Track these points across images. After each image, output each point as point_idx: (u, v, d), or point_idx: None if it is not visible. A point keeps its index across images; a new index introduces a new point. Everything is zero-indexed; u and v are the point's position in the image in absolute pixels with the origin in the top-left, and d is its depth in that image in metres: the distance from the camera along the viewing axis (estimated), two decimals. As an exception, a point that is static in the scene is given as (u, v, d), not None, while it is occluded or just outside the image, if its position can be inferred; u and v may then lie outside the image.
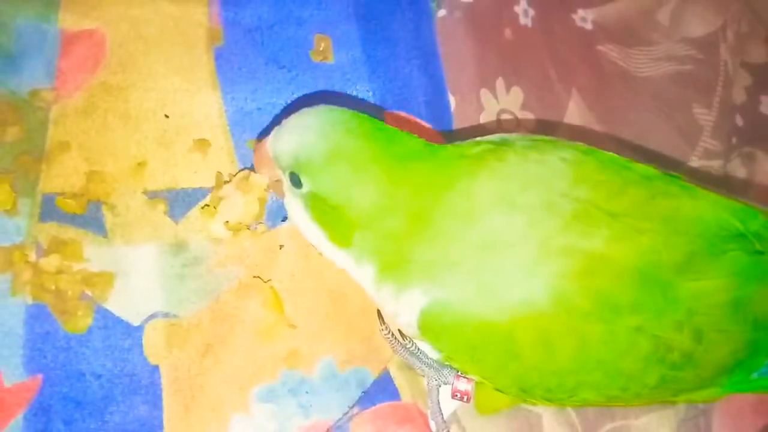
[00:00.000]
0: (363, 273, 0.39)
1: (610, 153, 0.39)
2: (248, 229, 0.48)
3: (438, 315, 0.37)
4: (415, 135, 0.38)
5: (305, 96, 0.55)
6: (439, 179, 0.36)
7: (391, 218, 0.36)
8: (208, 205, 0.47)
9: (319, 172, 0.37)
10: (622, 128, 0.63)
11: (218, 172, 0.49)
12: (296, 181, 0.38)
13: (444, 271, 0.36)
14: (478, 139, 0.40)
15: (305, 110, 0.39)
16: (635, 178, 0.38)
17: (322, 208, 0.38)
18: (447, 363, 0.42)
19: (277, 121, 0.53)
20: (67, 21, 0.52)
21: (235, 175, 0.49)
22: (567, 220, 0.35)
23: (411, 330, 0.40)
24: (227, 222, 0.46)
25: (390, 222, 0.36)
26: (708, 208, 0.38)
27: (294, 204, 0.40)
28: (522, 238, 0.35)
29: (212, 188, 0.50)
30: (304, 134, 0.38)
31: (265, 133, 0.52)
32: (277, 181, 0.42)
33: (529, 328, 0.35)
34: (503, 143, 0.38)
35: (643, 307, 0.35)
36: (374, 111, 0.55)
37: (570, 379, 0.36)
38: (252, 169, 0.49)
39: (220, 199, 0.47)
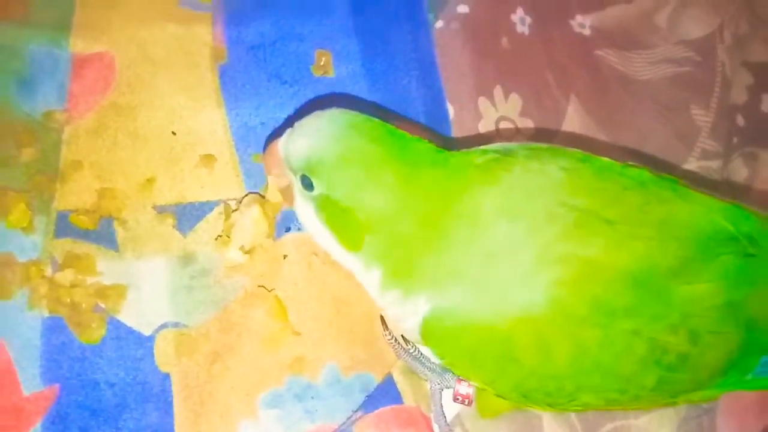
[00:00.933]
0: (369, 277, 0.39)
1: (606, 159, 0.40)
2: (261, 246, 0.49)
3: (439, 322, 0.38)
4: (425, 139, 0.39)
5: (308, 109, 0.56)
6: (448, 187, 0.37)
7: (401, 223, 0.37)
8: (221, 236, 0.49)
9: (331, 175, 0.37)
10: (621, 132, 0.64)
11: (226, 204, 0.51)
12: (308, 184, 0.39)
13: (448, 278, 0.37)
14: (483, 147, 0.41)
15: (317, 113, 0.39)
16: (630, 184, 0.39)
17: (333, 211, 0.38)
18: (449, 369, 0.43)
19: (281, 133, 0.55)
20: (78, 45, 0.55)
21: (240, 202, 0.51)
22: (565, 229, 0.36)
23: (413, 336, 0.41)
24: (242, 246, 0.48)
25: (399, 227, 0.37)
26: (701, 212, 0.39)
27: (305, 207, 0.40)
28: (522, 247, 0.36)
29: (218, 201, 0.51)
30: (317, 137, 0.38)
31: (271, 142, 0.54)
32: (288, 185, 0.42)
33: (527, 332, 0.36)
34: (507, 153, 0.39)
35: (639, 311, 0.36)
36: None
37: (569, 383, 0.37)
38: (254, 192, 0.52)
39: (231, 226, 0.49)
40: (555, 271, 0.36)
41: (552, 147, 0.42)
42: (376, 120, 0.39)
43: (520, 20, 0.67)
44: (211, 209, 0.51)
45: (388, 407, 0.48)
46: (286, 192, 0.43)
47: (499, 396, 0.41)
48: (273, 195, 0.48)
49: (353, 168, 0.37)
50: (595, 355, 0.36)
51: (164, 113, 0.54)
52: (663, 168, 0.54)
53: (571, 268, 0.36)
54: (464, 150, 0.41)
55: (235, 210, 0.51)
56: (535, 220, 0.37)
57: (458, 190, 0.37)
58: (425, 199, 0.37)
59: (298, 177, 0.40)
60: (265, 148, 0.54)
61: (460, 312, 0.37)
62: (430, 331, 0.39)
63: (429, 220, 0.37)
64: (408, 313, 0.40)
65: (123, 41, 0.56)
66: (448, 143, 0.58)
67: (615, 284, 0.36)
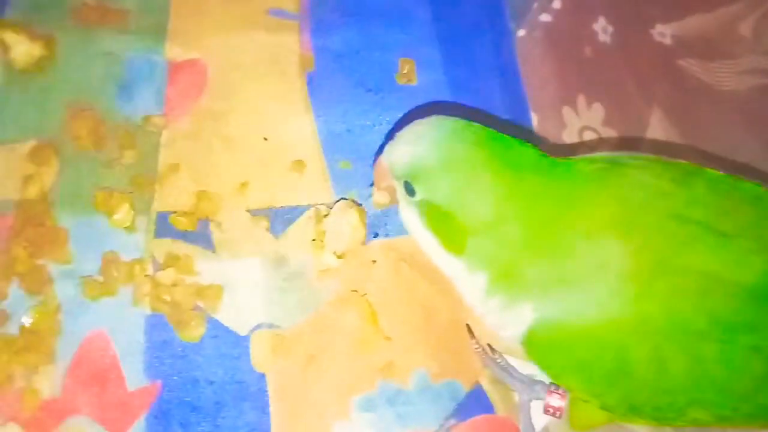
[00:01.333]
0: (473, 281, 0.39)
1: (717, 172, 0.40)
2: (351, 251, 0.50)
3: (546, 332, 0.37)
4: (530, 143, 0.39)
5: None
6: (558, 194, 0.37)
7: (507, 227, 0.37)
8: (314, 240, 0.50)
9: (432, 180, 0.38)
10: (707, 143, 0.63)
11: (317, 209, 0.51)
12: (410, 190, 0.39)
13: (557, 287, 0.37)
14: (589, 156, 0.40)
15: (418, 121, 0.40)
16: (744, 198, 0.38)
17: (435, 216, 0.38)
18: (552, 381, 0.43)
19: (365, 141, 0.56)
20: (173, 52, 0.56)
21: (331, 207, 0.51)
22: (680, 241, 0.36)
23: (514, 345, 0.40)
24: (335, 251, 0.49)
25: (505, 231, 0.37)
26: None
27: (408, 212, 0.41)
28: (637, 259, 0.35)
29: (308, 206, 0.52)
30: (418, 144, 0.39)
31: (355, 153, 0.55)
32: (393, 192, 0.43)
33: (642, 345, 0.35)
34: (616, 163, 0.39)
35: (758, 327, 0.35)
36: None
37: (681, 398, 0.37)
38: (344, 198, 0.52)
39: (323, 232, 0.50)
40: (672, 284, 0.35)
41: (659, 158, 0.41)
42: (477, 125, 0.40)
43: (602, 29, 0.66)
44: (302, 213, 0.52)
45: (481, 416, 0.47)
46: (394, 199, 0.43)
47: (604, 409, 0.40)
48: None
49: (454, 172, 0.38)
50: (712, 370, 0.36)
51: (255, 119, 0.55)
52: (757, 181, 0.53)
53: (689, 281, 0.35)
54: (569, 158, 0.40)
55: (326, 215, 0.51)
56: (648, 232, 0.36)
57: (569, 198, 0.37)
58: (533, 204, 0.37)
59: (401, 183, 0.40)
60: (351, 156, 0.55)
61: (569, 322, 0.37)
62: (535, 341, 0.38)
63: (537, 226, 0.37)
64: (510, 322, 0.39)
65: (214, 49, 0.57)
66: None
67: (735, 299, 0.35)
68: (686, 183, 0.38)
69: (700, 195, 0.37)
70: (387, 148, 0.41)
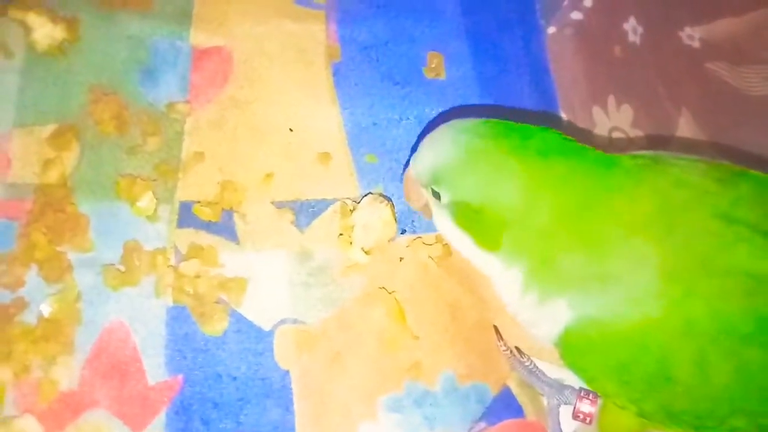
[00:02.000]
0: (510, 278, 0.38)
1: (762, 174, 0.39)
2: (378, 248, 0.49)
3: (585, 333, 0.36)
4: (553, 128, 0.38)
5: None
6: (594, 184, 0.36)
7: (537, 213, 0.36)
8: (342, 235, 0.49)
9: (455, 179, 0.38)
10: (736, 148, 0.62)
11: (343, 203, 0.50)
12: (437, 194, 0.39)
13: (596, 284, 0.35)
14: (629, 153, 0.39)
15: (437, 128, 0.40)
16: None
17: (465, 214, 0.38)
18: (589, 385, 0.41)
19: (391, 135, 0.55)
20: (198, 38, 0.55)
21: (358, 202, 0.50)
22: (727, 242, 0.34)
23: (546, 344, 0.39)
24: (362, 247, 0.48)
25: (536, 217, 0.36)
26: None
27: (440, 216, 0.40)
28: (681, 258, 0.34)
29: (334, 200, 0.51)
30: (437, 147, 0.39)
31: (381, 147, 0.54)
32: (426, 205, 0.43)
33: (685, 349, 0.34)
34: (659, 161, 0.38)
35: None
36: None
37: (723, 406, 0.35)
38: (371, 192, 0.51)
39: (351, 227, 0.48)
40: (718, 285, 0.34)
41: (703, 159, 0.40)
42: (493, 120, 0.39)
43: (632, 29, 0.65)
44: (327, 207, 0.51)
45: (511, 420, 0.46)
46: (425, 210, 0.43)
47: (640, 416, 0.39)
48: None
49: (476, 165, 0.37)
50: (758, 377, 0.34)
51: (281, 109, 0.54)
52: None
53: (735, 283, 0.34)
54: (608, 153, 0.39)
55: (353, 209, 0.50)
56: (692, 231, 0.35)
57: (608, 189, 0.36)
58: (563, 187, 0.36)
59: (429, 191, 0.40)
60: (377, 150, 0.54)
61: (607, 322, 0.35)
62: (571, 342, 0.37)
63: (570, 211, 0.36)
64: (544, 318, 0.38)
65: (240, 36, 0.56)
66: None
67: None
68: (731, 183, 0.37)
69: (745, 195, 0.36)
70: (411, 160, 0.41)
